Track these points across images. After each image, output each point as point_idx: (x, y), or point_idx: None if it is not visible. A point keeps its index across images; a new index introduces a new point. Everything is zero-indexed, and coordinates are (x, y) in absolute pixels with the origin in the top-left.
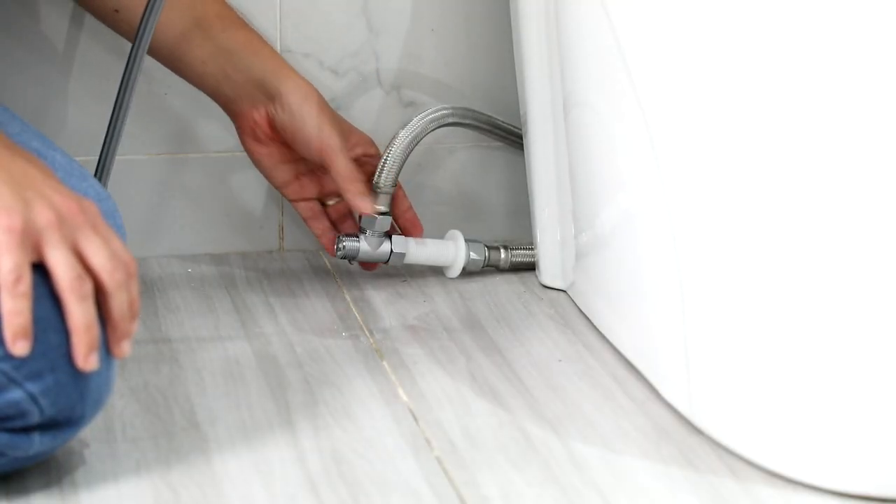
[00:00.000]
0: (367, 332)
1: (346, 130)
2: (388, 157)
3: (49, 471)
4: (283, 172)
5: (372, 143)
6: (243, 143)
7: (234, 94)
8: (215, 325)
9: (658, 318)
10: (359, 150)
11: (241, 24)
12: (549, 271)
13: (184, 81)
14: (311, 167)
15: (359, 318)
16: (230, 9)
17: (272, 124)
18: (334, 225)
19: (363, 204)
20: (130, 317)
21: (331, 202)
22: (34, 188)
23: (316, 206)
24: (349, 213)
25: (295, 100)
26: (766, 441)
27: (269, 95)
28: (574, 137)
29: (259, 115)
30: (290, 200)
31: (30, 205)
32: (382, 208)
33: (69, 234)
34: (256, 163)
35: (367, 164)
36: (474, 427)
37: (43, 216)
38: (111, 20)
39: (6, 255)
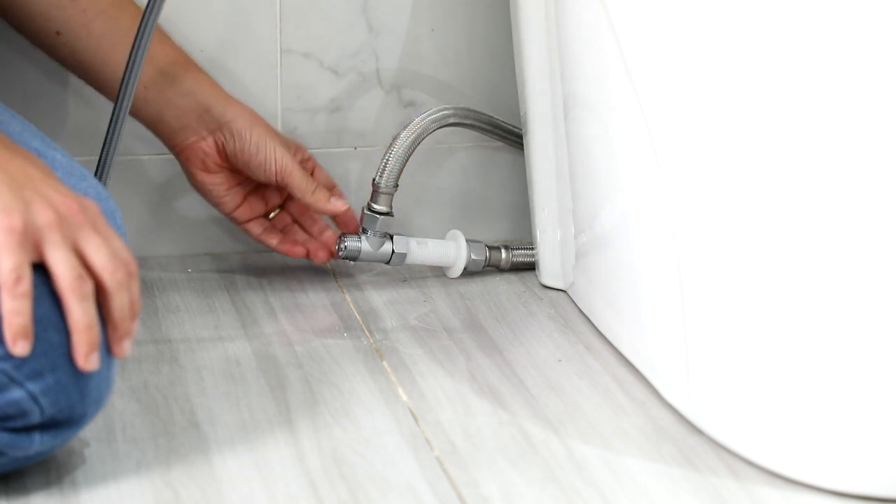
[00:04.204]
0: (367, 332)
1: (288, 144)
2: (389, 157)
3: (49, 471)
4: (233, 197)
5: (302, 147)
6: (191, 175)
7: (179, 124)
8: (215, 325)
9: (658, 318)
10: (299, 157)
11: (192, 64)
12: (549, 271)
13: None
14: (255, 186)
15: (359, 318)
16: (187, 56)
17: (222, 153)
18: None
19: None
20: (131, 316)
21: (272, 214)
22: (33, 188)
23: (265, 221)
24: (293, 221)
25: (243, 125)
26: (766, 441)
27: (216, 124)
28: (574, 138)
29: (208, 146)
30: (240, 223)
31: (29, 204)
32: (383, 208)
33: (69, 233)
34: (207, 193)
35: (306, 168)
36: (474, 427)
37: (43, 216)
38: (50, 43)
39: (6, 255)
